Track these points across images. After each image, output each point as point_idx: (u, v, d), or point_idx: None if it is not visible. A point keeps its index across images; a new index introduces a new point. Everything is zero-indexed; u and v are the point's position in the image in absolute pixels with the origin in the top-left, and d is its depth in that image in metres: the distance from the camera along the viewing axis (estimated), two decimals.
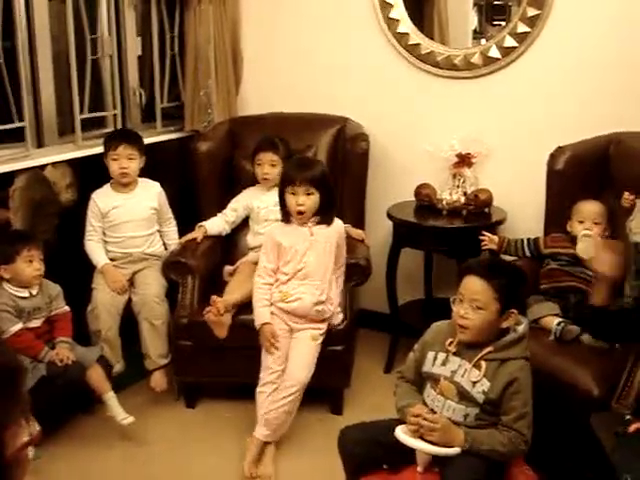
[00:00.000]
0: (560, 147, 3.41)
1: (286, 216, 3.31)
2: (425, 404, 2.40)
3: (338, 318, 3.36)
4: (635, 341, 2.51)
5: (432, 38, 4.01)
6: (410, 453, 2.32)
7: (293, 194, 3.24)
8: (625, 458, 2.20)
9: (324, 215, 3.29)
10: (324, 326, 3.29)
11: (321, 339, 3.27)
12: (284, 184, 3.28)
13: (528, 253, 3.33)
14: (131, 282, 3.59)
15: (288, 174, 3.31)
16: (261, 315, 3.25)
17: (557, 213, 3.37)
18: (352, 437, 2.47)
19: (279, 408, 3.12)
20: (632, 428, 2.27)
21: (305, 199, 3.23)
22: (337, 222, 3.36)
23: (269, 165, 3.72)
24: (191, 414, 3.54)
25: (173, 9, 4.24)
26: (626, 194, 3.14)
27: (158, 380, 3.53)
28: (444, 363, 2.40)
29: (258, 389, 3.19)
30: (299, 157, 3.74)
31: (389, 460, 2.41)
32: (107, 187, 3.64)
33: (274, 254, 3.30)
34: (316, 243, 3.27)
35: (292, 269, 3.26)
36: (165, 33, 4.24)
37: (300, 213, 3.25)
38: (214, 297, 3.29)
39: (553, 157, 3.40)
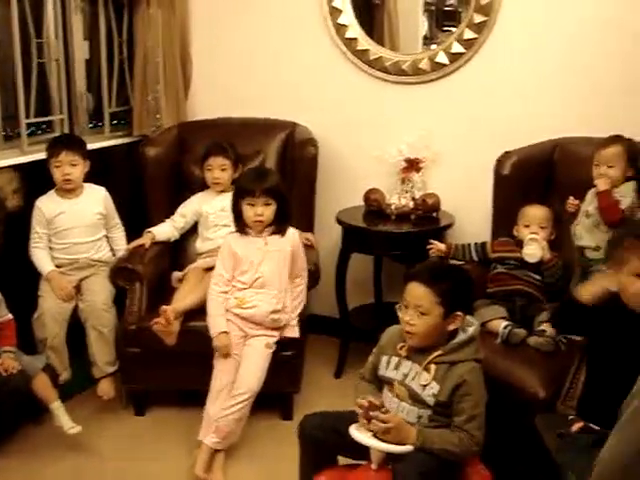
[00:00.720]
0: (507, 152, 3.45)
1: (241, 227, 3.30)
2: (383, 404, 2.41)
3: (295, 331, 3.35)
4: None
5: (383, 44, 4.04)
6: (365, 448, 2.35)
7: (252, 205, 3.23)
8: (569, 457, 2.24)
9: (279, 225, 3.30)
10: (278, 334, 3.29)
11: (274, 347, 3.26)
12: (241, 196, 3.26)
13: (475, 257, 3.36)
14: (78, 289, 3.53)
15: (246, 186, 3.27)
16: (217, 324, 3.22)
17: (504, 217, 3.41)
18: (313, 422, 2.50)
19: (229, 415, 3.10)
20: (575, 428, 2.32)
21: (264, 209, 3.23)
22: (291, 231, 3.36)
23: (219, 170, 3.71)
24: (140, 422, 3.50)
25: (121, 13, 4.21)
26: (570, 199, 3.20)
27: (105, 388, 3.49)
28: (397, 367, 2.43)
29: (210, 395, 3.16)
30: (254, 168, 3.75)
31: (346, 449, 2.45)
32: (52, 193, 3.59)
33: (230, 263, 3.28)
34: (270, 253, 3.27)
35: (249, 279, 3.26)
36: (113, 37, 4.20)
37: (258, 222, 3.24)
38: (163, 307, 3.26)
39: (500, 162, 3.43)
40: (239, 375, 3.17)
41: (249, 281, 3.26)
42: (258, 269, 3.25)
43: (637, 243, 2.26)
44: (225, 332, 3.20)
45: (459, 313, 2.38)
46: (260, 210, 3.23)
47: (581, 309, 2.41)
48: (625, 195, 3.04)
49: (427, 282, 2.36)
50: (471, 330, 2.41)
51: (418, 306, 2.36)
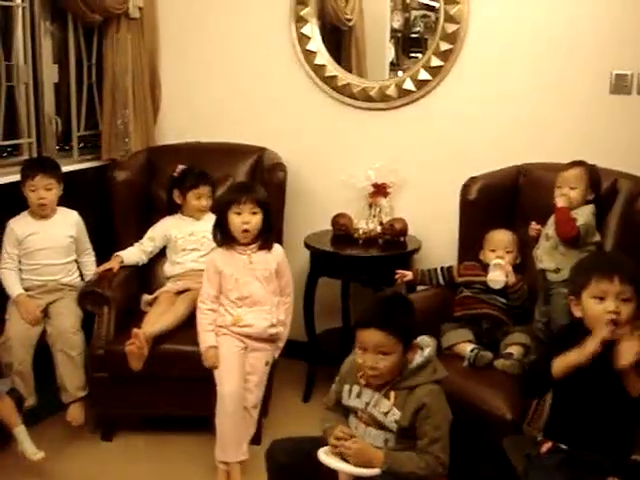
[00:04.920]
0: (473, 177, 3.48)
1: (226, 240, 3.29)
2: (351, 433, 2.43)
3: (277, 352, 3.39)
4: None
5: (350, 70, 4.09)
6: (335, 472, 2.36)
7: (238, 214, 3.23)
8: (539, 476, 2.26)
9: (264, 238, 3.31)
10: (275, 346, 3.34)
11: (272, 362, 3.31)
12: (227, 205, 3.26)
13: (442, 281, 3.39)
14: (45, 313, 3.50)
15: (232, 195, 3.30)
16: (207, 339, 3.23)
17: (470, 242, 3.44)
18: (281, 447, 2.51)
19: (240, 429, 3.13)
20: (544, 448, 2.34)
21: (250, 217, 3.24)
22: (277, 248, 3.38)
23: (207, 197, 3.74)
24: (108, 447, 3.46)
25: (91, 37, 4.21)
26: (532, 224, 3.25)
27: (75, 414, 3.43)
28: (359, 395, 2.45)
29: (223, 416, 3.11)
30: (238, 182, 3.78)
31: (315, 474, 2.44)
32: (25, 214, 3.58)
33: (216, 280, 3.28)
34: (255, 271, 3.28)
35: (236, 297, 3.26)
36: (83, 61, 4.20)
37: (246, 231, 3.25)
38: (136, 330, 3.25)
39: (466, 187, 3.46)
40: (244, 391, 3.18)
41: (238, 300, 3.27)
42: (244, 288, 3.26)
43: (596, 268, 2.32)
44: (214, 347, 3.20)
45: (416, 342, 2.43)
46: (247, 218, 3.23)
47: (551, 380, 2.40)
48: (582, 215, 3.10)
49: (383, 326, 2.34)
50: (427, 352, 2.43)
51: (381, 349, 2.35)
